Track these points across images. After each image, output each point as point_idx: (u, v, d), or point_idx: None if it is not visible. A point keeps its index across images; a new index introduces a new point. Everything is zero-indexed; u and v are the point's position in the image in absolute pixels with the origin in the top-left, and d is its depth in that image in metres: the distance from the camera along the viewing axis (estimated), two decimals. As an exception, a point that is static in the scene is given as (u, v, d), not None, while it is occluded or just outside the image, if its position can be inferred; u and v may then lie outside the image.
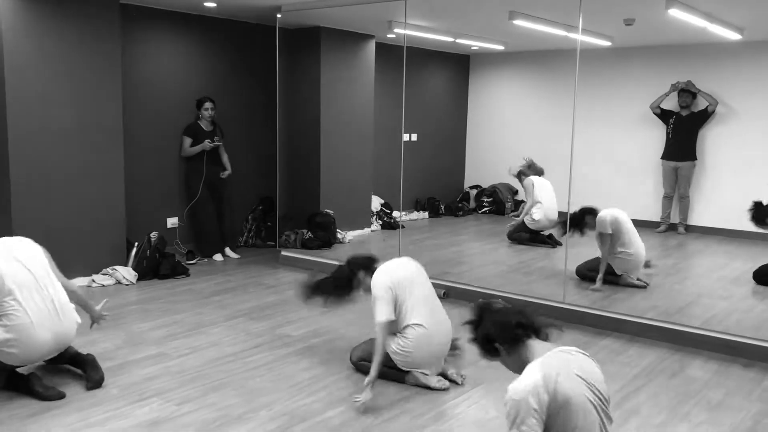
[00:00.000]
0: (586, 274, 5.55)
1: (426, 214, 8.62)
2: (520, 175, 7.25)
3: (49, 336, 3.39)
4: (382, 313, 3.45)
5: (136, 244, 5.79)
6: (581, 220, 5.47)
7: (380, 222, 7.92)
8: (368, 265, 3.66)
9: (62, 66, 5.24)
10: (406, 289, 3.52)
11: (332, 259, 6.23)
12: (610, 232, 5.34)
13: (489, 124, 9.16)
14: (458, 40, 7.69)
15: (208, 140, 6.31)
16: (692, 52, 7.43)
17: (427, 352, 3.54)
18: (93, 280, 5.49)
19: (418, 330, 3.49)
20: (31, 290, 3.36)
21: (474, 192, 9.19)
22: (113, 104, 5.60)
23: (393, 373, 3.61)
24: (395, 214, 8.05)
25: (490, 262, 6.60)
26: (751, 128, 7.32)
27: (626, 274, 5.42)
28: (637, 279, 5.43)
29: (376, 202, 7.97)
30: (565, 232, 5.54)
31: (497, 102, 9.12)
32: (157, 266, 5.78)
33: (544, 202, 6.92)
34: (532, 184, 7.05)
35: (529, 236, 6.98)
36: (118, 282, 5.56)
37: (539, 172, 7.16)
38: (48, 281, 3.46)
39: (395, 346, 3.54)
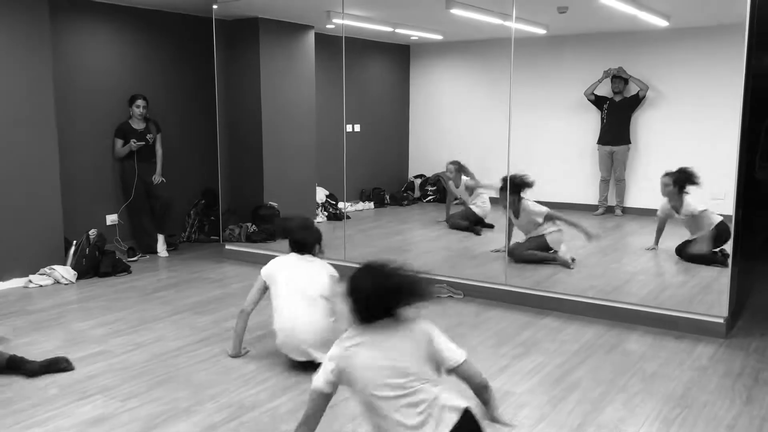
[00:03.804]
0: (523, 255, 5.70)
1: (371, 205, 8.65)
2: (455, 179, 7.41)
3: None
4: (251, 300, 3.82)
5: (75, 242, 5.65)
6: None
7: (325, 213, 7.91)
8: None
9: (-11, 60, 5.07)
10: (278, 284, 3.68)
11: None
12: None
13: (431, 113, 9.25)
14: (397, 30, 7.73)
15: (134, 140, 6.20)
16: (623, 40, 7.66)
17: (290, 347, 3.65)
18: (30, 281, 5.34)
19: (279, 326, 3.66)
20: None
21: (418, 181, 9.27)
22: (44, 99, 5.44)
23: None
24: (340, 205, 8.05)
25: (435, 249, 6.68)
26: (679, 111, 7.59)
27: (559, 250, 5.62)
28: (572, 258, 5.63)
29: (320, 194, 7.96)
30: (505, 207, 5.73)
31: (438, 91, 9.21)
32: (97, 264, 5.66)
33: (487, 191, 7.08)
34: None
35: (467, 224, 7.11)
36: (57, 282, 5.42)
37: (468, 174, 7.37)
38: None
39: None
